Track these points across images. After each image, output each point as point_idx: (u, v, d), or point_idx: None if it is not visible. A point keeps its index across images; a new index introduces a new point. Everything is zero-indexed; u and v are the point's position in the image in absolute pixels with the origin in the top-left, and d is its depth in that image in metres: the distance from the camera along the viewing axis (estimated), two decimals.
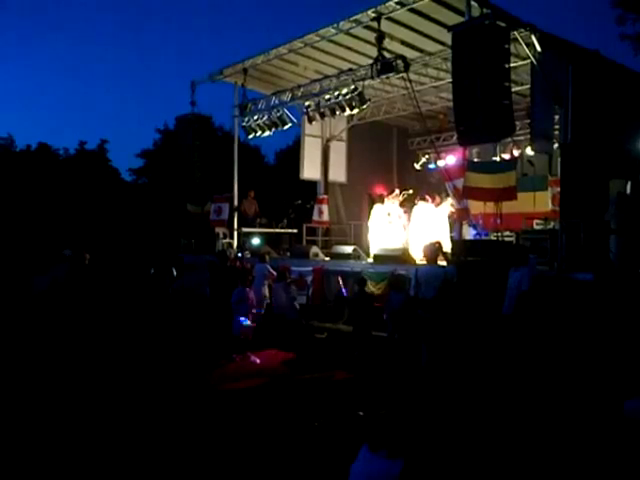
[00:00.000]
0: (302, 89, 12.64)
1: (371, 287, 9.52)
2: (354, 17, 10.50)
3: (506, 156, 12.91)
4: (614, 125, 9.47)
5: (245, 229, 14.24)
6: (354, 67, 11.74)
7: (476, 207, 10.51)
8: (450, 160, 14.59)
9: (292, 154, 23.87)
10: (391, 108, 15.16)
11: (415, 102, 10.98)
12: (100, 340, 9.40)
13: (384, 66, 10.33)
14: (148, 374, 8.01)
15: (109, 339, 9.56)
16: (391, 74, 10.65)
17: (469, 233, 11.48)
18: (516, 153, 13.18)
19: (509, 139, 11.93)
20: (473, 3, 8.65)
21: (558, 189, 9.41)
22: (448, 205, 12.18)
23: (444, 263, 8.82)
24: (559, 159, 9.23)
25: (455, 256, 9.01)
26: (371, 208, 13.28)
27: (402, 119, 16.12)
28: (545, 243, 9.07)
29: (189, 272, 11.74)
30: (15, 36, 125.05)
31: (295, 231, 15.35)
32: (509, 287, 7.51)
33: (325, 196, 15.48)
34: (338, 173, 16.05)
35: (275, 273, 10.43)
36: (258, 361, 8.95)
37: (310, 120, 12.59)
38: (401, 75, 10.59)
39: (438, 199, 12.31)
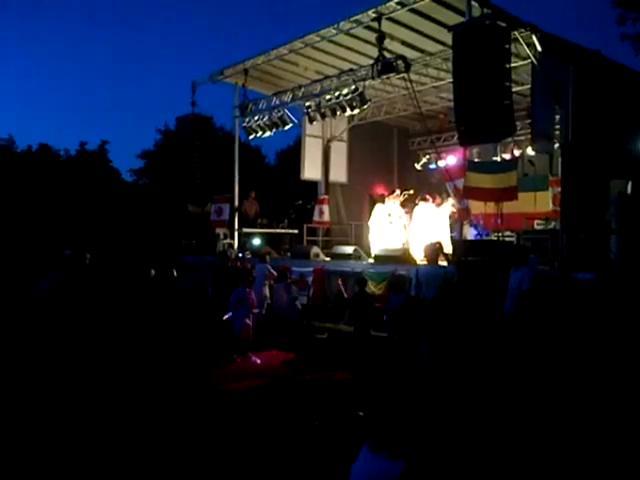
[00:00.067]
0: (303, 89, 12.64)
1: (372, 287, 9.53)
2: (355, 17, 10.50)
3: (507, 156, 12.92)
4: (615, 125, 9.47)
5: (246, 229, 14.25)
6: (355, 67, 11.74)
7: (477, 207, 10.51)
8: (451, 160, 14.60)
9: (293, 154, 23.89)
10: (392, 108, 15.17)
11: (416, 102, 10.98)
12: (102, 341, 9.40)
13: (385, 66, 10.33)
14: (149, 374, 8.02)
15: (110, 340, 9.56)
16: (392, 74, 10.65)
17: (470, 233, 11.48)
18: (517, 153, 13.19)
19: (510, 139, 11.95)
20: (474, 3, 8.65)
21: (559, 189, 9.41)
22: (449, 205, 12.19)
23: (445, 263, 8.82)
24: (560, 159, 9.23)
25: (456, 256, 9.02)
26: (372, 208, 13.28)
27: (403, 119, 16.12)
28: (546, 243, 9.08)
29: (191, 273, 11.75)
30: (15, 36, 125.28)
31: (296, 231, 15.35)
32: (510, 287, 7.51)
33: (326, 196, 15.48)
34: (339, 173, 16.06)
35: (275, 273, 10.43)
36: (259, 361, 8.95)
37: (311, 120, 12.59)
38: (402, 75, 10.59)
39: (439, 199, 12.31)
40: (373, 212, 12.98)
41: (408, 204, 13.04)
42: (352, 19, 10.58)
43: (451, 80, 9.11)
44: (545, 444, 5.41)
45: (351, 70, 11.69)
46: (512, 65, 8.44)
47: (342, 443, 5.04)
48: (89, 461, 5.19)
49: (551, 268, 8.68)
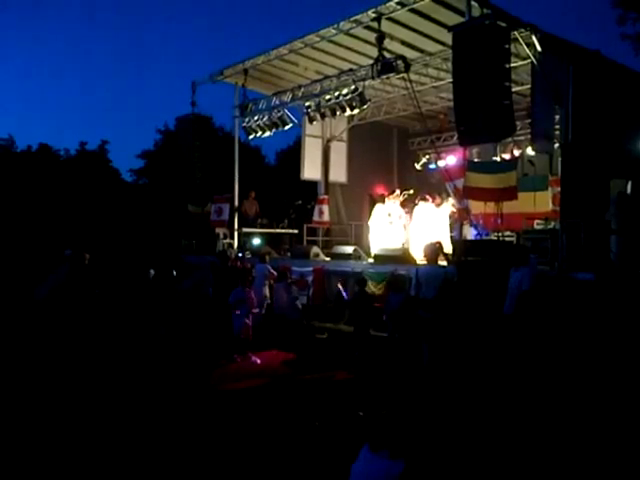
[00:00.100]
0: (302, 89, 12.64)
1: (372, 287, 9.53)
2: (354, 17, 10.50)
3: (506, 156, 12.91)
4: (614, 125, 9.47)
5: (246, 229, 14.25)
6: (354, 67, 11.74)
7: (477, 207, 10.50)
8: (450, 160, 14.61)
9: (293, 154, 23.89)
10: (391, 108, 15.17)
11: (415, 102, 10.98)
12: (102, 342, 9.40)
13: (384, 66, 10.33)
14: (150, 374, 8.02)
15: (111, 340, 9.57)
16: (391, 74, 10.65)
17: (470, 233, 11.48)
18: (517, 153, 13.19)
19: (509, 139, 11.95)
20: (473, 3, 8.65)
21: (559, 189, 9.41)
22: (449, 205, 12.19)
23: (445, 263, 8.82)
24: (560, 159, 9.23)
25: (456, 256, 9.01)
26: (371, 208, 13.28)
27: (402, 119, 16.12)
28: (546, 243, 9.07)
29: (192, 273, 11.74)
30: (15, 36, 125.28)
31: (296, 231, 15.34)
32: (510, 287, 7.51)
33: (326, 196, 15.48)
34: (339, 173, 16.06)
35: (275, 273, 10.43)
36: (259, 361, 8.96)
37: (310, 120, 12.59)
38: (401, 75, 10.60)
39: (438, 199, 12.32)
40: (373, 212, 12.98)
41: (408, 204, 13.05)
42: (352, 19, 10.58)
43: (451, 80, 9.11)
44: (545, 444, 5.41)
45: (351, 70, 11.69)
46: (512, 65, 8.45)
47: (342, 443, 5.05)
48: (89, 460, 5.19)
49: (551, 268, 8.68)
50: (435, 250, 8.37)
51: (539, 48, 9.13)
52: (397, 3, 9.75)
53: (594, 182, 8.81)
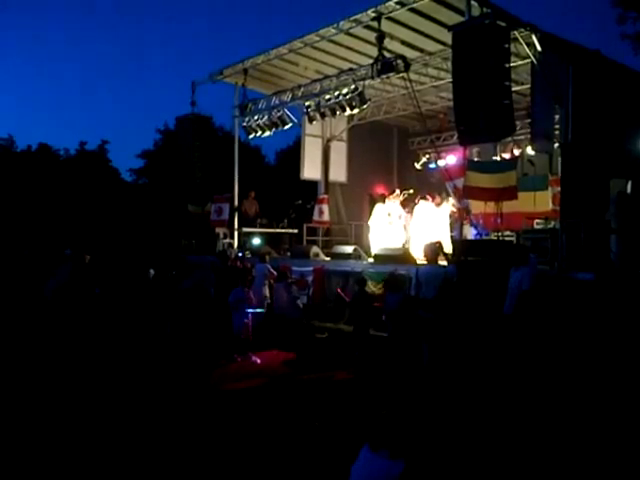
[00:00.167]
0: (302, 89, 12.63)
1: (372, 287, 9.52)
2: (354, 17, 10.49)
3: (506, 156, 12.91)
4: (614, 125, 9.47)
5: (245, 229, 14.24)
6: (354, 67, 11.74)
7: (477, 207, 10.51)
8: (450, 160, 14.60)
9: (292, 154, 23.88)
10: (391, 108, 15.16)
11: (415, 102, 10.98)
12: (104, 341, 9.42)
13: (384, 66, 10.33)
14: (155, 373, 8.03)
15: (113, 340, 9.58)
16: (391, 74, 10.65)
17: (470, 233, 11.48)
18: (516, 153, 13.19)
19: (509, 139, 11.94)
20: (473, 3, 8.64)
21: (558, 189, 9.41)
22: (449, 205, 12.19)
23: (445, 263, 8.81)
24: (559, 159, 9.23)
25: (456, 256, 9.01)
26: (371, 208, 13.28)
27: (402, 119, 16.12)
28: (546, 243, 9.07)
29: (194, 272, 11.73)
30: (15, 36, 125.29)
31: (295, 231, 15.33)
32: (510, 287, 7.51)
33: (325, 196, 15.47)
34: (338, 173, 16.05)
35: (275, 273, 10.43)
36: (259, 361, 8.96)
37: (310, 120, 12.59)
38: (401, 75, 10.60)
39: (438, 199, 12.32)
40: (373, 212, 12.97)
41: (408, 204, 13.05)
42: (352, 19, 10.57)
43: (451, 80, 9.10)
44: (545, 444, 5.41)
45: (351, 70, 11.70)
46: (512, 65, 8.45)
47: (342, 443, 5.05)
48: (90, 460, 5.19)
49: (551, 268, 8.68)
50: (435, 250, 8.37)
51: (539, 48, 9.13)
52: (397, 3, 9.74)
53: (594, 182, 8.81)
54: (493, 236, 10.10)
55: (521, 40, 9.23)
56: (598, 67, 9.63)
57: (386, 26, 10.25)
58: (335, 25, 10.92)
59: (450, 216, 12.18)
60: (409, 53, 11.20)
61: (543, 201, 10.62)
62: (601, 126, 9.23)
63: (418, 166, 16.95)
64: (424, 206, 12.45)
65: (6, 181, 25.85)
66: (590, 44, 9.94)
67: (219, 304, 10.13)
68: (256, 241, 14.22)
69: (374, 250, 11.94)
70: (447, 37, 9.21)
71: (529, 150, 12.50)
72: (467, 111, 8.40)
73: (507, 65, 8.13)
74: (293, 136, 25.89)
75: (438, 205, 12.26)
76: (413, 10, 9.99)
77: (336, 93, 11.56)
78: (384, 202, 12.81)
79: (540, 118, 9.38)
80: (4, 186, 25.38)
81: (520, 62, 9.96)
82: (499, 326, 7.43)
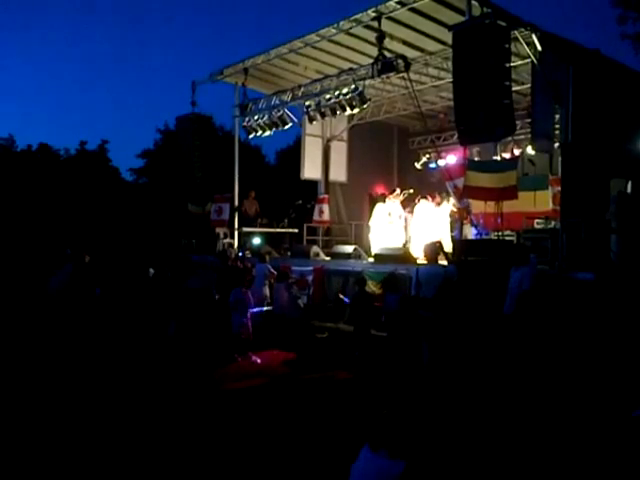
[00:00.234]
0: (303, 89, 12.63)
1: (372, 287, 9.52)
2: (354, 17, 10.49)
3: (507, 155, 12.90)
4: (614, 124, 9.47)
5: (246, 229, 14.24)
6: (355, 67, 11.74)
7: (477, 206, 10.50)
8: (451, 159, 14.60)
9: (293, 154, 23.87)
10: (392, 108, 15.16)
11: (416, 102, 10.99)
12: (106, 340, 9.43)
13: (385, 66, 10.32)
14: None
15: (117, 339, 9.59)
16: (392, 74, 10.65)
17: (470, 232, 11.48)
18: (517, 152, 13.19)
19: (510, 138, 11.94)
20: (474, 2, 8.64)
21: (559, 188, 9.41)
22: (449, 204, 12.19)
23: (445, 262, 8.82)
24: (560, 158, 9.22)
25: (456, 255, 9.01)
26: (372, 208, 13.28)
27: (403, 119, 16.11)
28: (546, 242, 9.07)
29: (196, 271, 11.73)
30: (15, 36, 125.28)
31: (296, 231, 15.33)
32: (510, 286, 7.51)
33: (326, 196, 15.47)
34: (339, 173, 16.05)
35: (275, 273, 10.43)
36: (259, 361, 8.96)
37: (311, 120, 12.58)
38: (402, 75, 10.60)
39: (438, 198, 12.33)
40: (373, 211, 12.97)
41: (408, 203, 13.05)
42: (352, 18, 10.57)
43: (451, 79, 9.11)
44: (545, 443, 5.41)
45: (351, 69, 11.69)
46: (512, 64, 8.45)
47: (342, 443, 5.05)
48: (91, 459, 5.19)
49: (551, 267, 8.67)
50: (435, 249, 8.38)
51: (539, 47, 9.13)
52: (397, 2, 9.74)
53: (594, 182, 8.80)
54: (493, 236, 10.09)
55: (521, 40, 9.23)
56: (598, 67, 9.63)
57: (386, 26, 10.25)
58: (335, 25, 10.92)
59: (450, 216, 12.18)
60: (409, 53, 11.19)
61: (543, 201, 10.62)
62: (601, 126, 9.23)
63: (418, 166, 16.95)
64: (424, 206, 12.45)
65: (6, 181, 25.84)
66: (590, 44, 9.95)
67: (220, 304, 10.13)
68: (256, 241, 14.22)
69: (374, 250, 11.94)
70: (447, 37, 9.21)
71: (529, 150, 12.50)
72: (467, 111, 8.40)
73: (507, 65, 8.14)
74: (293, 136, 25.94)
75: (438, 205, 12.27)
76: (413, 10, 9.99)
77: (336, 93, 11.55)
78: (384, 202, 12.81)
79: (540, 118, 9.38)
80: (4, 186, 25.37)
81: (520, 62, 9.96)
82: (499, 326, 7.43)
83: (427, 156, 16.71)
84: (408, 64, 10.21)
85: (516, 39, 9.04)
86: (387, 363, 8.06)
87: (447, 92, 12.31)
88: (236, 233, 14.17)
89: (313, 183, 16.23)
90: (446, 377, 7.36)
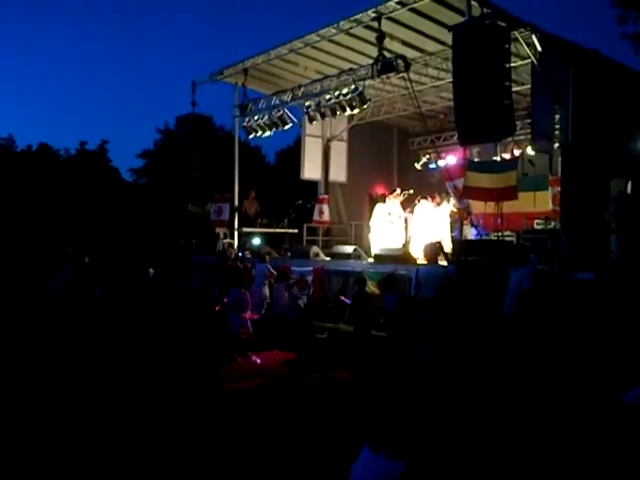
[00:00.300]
0: (303, 89, 12.63)
1: (371, 287, 9.51)
2: (354, 17, 10.49)
3: (507, 156, 12.91)
4: (614, 125, 9.47)
5: (246, 229, 14.23)
6: (355, 67, 11.73)
7: (477, 207, 10.50)
8: (451, 160, 14.59)
9: (293, 154, 23.87)
10: (391, 108, 15.16)
11: (415, 102, 10.99)
12: (106, 340, 9.43)
13: (384, 66, 10.32)
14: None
15: (115, 339, 9.59)
16: (391, 74, 10.65)
17: (470, 233, 11.48)
18: (517, 153, 13.20)
19: (510, 139, 11.95)
20: (473, 3, 8.65)
21: (559, 189, 9.41)
22: (449, 205, 12.19)
23: (445, 263, 8.81)
24: (560, 159, 9.23)
25: (456, 256, 9.01)
26: (372, 208, 13.27)
27: (402, 119, 16.12)
28: (546, 243, 9.07)
29: (196, 271, 11.73)
30: (15, 35, 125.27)
31: (296, 231, 15.33)
32: (510, 287, 7.51)
33: (326, 196, 15.48)
34: (339, 173, 16.06)
35: (275, 273, 10.43)
36: (259, 361, 8.96)
37: (311, 120, 12.58)
38: (401, 75, 10.60)
39: (438, 199, 12.33)
40: (374, 212, 12.97)
41: (408, 204, 13.05)
42: (352, 19, 10.57)
43: (451, 80, 9.11)
44: (545, 443, 5.41)
45: (351, 70, 11.69)
46: (512, 65, 8.45)
47: (342, 443, 5.05)
48: (91, 459, 5.20)
49: (551, 268, 8.68)
50: (435, 250, 8.36)
51: (539, 48, 9.14)
52: (397, 3, 9.73)
53: (594, 182, 8.81)
54: (493, 236, 10.09)
55: (521, 40, 9.23)
56: (598, 67, 9.63)
57: (386, 26, 10.25)
58: (335, 25, 10.92)
59: (450, 216, 12.18)
60: (409, 53, 11.20)
61: (543, 201, 10.62)
62: (601, 126, 9.24)
63: (418, 166, 16.95)
64: (424, 206, 12.45)
65: (6, 181, 25.85)
66: (590, 44, 9.96)
67: (220, 304, 10.14)
68: (256, 241, 14.22)
69: (374, 250, 11.94)
70: (447, 37, 9.22)
71: (529, 150, 12.50)
72: (467, 111, 8.40)
73: (507, 65, 8.13)
74: (293, 136, 25.95)
75: (438, 205, 12.27)
76: (413, 10, 9.99)
77: (336, 93, 11.55)
78: (384, 202, 12.81)
79: (540, 118, 9.38)
80: (4, 186, 25.37)
81: (520, 62, 9.97)
82: (499, 326, 7.43)
83: (427, 156, 16.71)
84: (408, 64, 10.21)
85: (516, 39, 9.05)
86: (387, 363, 8.07)
87: (447, 92, 12.31)
88: (236, 233, 14.17)
89: (313, 183, 16.23)
90: (446, 377, 7.36)
